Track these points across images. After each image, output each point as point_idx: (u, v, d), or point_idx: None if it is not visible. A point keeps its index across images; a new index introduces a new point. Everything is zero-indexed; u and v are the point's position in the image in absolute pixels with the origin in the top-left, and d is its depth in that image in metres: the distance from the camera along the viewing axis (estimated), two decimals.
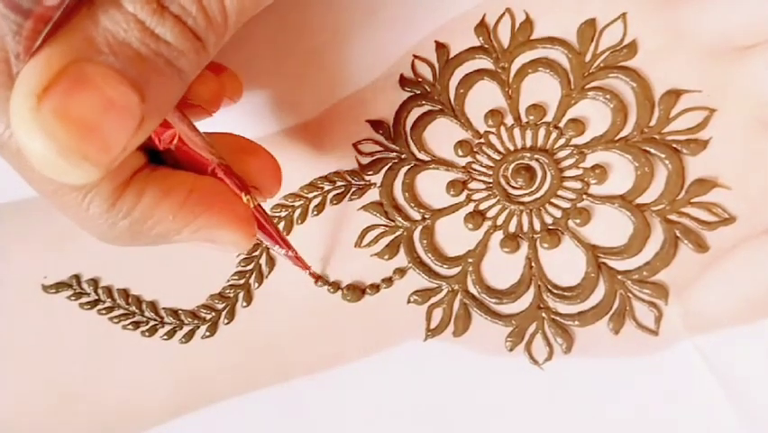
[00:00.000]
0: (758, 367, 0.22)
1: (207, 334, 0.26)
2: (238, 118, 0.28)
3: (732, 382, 0.22)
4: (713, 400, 0.22)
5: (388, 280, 0.25)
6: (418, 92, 0.26)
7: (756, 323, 0.22)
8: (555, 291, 0.24)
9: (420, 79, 0.26)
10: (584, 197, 0.24)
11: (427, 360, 0.24)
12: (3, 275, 0.28)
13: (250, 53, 0.27)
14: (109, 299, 0.27)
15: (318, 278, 0.25)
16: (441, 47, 0.26)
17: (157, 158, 0.20)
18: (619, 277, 0.23)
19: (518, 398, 0.24)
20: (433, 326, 0.25)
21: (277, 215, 0.26)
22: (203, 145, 0.21)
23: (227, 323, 0.26)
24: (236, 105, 0.28)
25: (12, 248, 0.28)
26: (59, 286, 0.27)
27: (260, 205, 0.22)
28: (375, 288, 0.25)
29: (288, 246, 0.24)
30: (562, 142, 0.24)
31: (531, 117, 0.25)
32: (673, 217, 0.23)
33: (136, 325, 0.27)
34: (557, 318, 0.24)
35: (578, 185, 0.24)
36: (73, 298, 0.27)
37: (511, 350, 0.24)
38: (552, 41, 0.25)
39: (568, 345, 0.23)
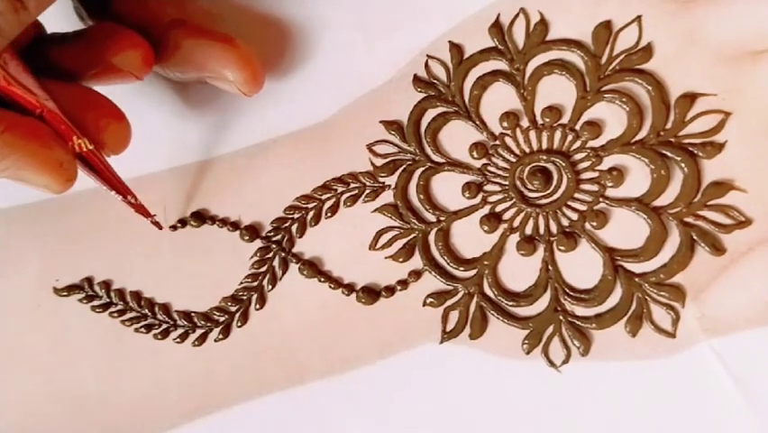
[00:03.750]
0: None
1: (220, 337, 0.26)
2: (252, 116, 0.28)
3: (749, 384, 0.22)
4: (730, 402, 0.22)
5: (404, 283, 0.25)
6: (433, 93, 0.26)
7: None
8: (572, 294, 0.24)
9: (434, 80, 0.26)
10: (600, 199, 0.24)
11: (443, 363, 0.24)
12: (14, 278, 0.27)
13: (265, 51, 0.27)
14: (121, 302, 0.27)
15: (161, 227, 0.26)
16: (455, 47, 0.26)
17: None
18: (636, 280, 0.23)
19: (535, 401, 0.24)
20: (449, 328, 0.25)
21: (290, 216, 0.26)
22: (35, 91, 0.22)
23: (240, 326, 0.26)
24: (250, 105, 0.28)
25: (23, 251, 0.28)
26: (70, 289, 0.27)
27: (94, 151, 0.23)
28: (390, 290, 0.25)
29: (127, 192, 0.24)
30: (578, 144, 0.24)
31: (546, 119, 0.25)
32: (690, 220, 0.23)
33: (149, 328, 0.27)
34: (574, 321, 0.24)
35: (594, 187, 0.24)
36: (85, 300, 0.27)
37: (528, 353, 0.24)
38: (567, 42, 0.25)
39: (585, 348, 0.23)
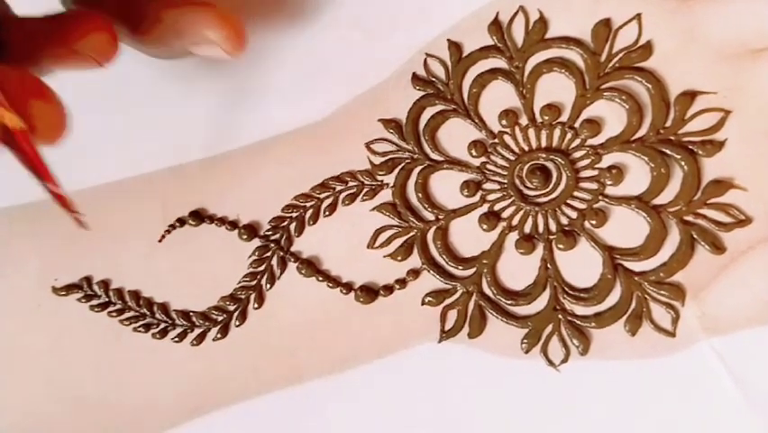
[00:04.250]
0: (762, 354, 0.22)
1: (219, 336, 0.26)
2: (252, 114, 0.28)
3: (749, 384, 0.22)
4: (730, 401, 0.22)
5: (402, 282, 0.25)
6: (431, 91, 0.26)
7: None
8: (571, 293, 0.24)
9: (433, 78, 0.26)
10: (600, 198, 0.24)
11: (442, 362, 0.24)
12: (14, 278, 0.27)
13: (262, 49, 0.27)
14: (120, 301, 0.27)
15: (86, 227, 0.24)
16: (454, 45, 0.26)
17: None
18: (636, 278, 0.23)
19: (534, 400, 0.24)
20: (447, 327, 0.25)
21: (288, 215, 0.26)
22: None
23: (239, 325, 0.26)
24: (250, 103, 0.28)
25: (21, 250, 0.28)
26: (69, 288, 0.27)
27: (24, 131, 0.21)
28: (388, 289, 0.25)
29: (50, 180, 0.22)
30: (577, 142, 0.24)
31: (546, 117, 0.24)
32: (690, 219, 0.23)
33: (147, 327, 0.27)
34: (573, 320, 0.24)
35: (594, 186, 0.24)
36: (84, 300, 0.27)
37: (527, 352, 0.24)
38: (566, 40, 0.25)
39: (585, 347, 0.23)
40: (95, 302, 0.27)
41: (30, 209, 0.29)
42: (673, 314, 0.23)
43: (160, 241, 0.27)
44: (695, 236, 0.23)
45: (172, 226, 0.27)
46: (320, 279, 0.25)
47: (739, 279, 0.23)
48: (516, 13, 0.25)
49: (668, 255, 0.23)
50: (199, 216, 0.27)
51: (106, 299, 0.27)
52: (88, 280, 0.27)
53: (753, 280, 0.23)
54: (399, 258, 0.25)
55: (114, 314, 0.27)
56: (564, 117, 0.24)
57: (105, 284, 0.27)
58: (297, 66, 0.27)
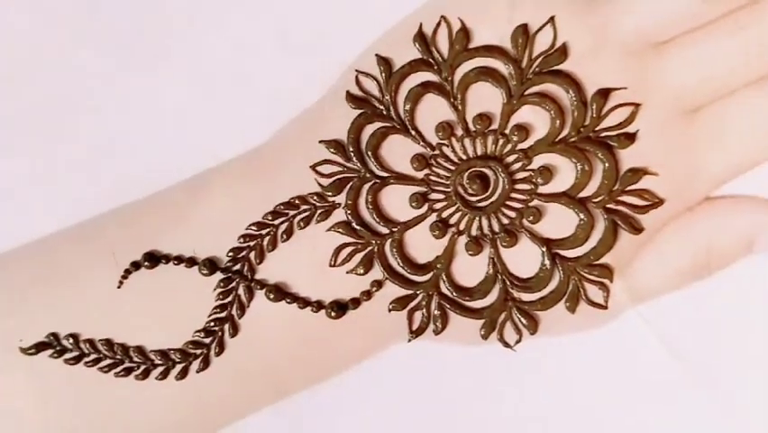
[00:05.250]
0: (692, 325, 0.26)
1: (201, 367, 0.27)
2: (185, 147, 0.28)
3: (671, 340, 0.27)
4: (657, 357, 0.27)
5: (367, 294, 0.27)
6: (367, 109, 0.27)
7: (687, 289, 0.26)
8: (518, 284, 0.27)
9: (367, 95, 0.27)
10: (534, 197, 0.26)
11: (414, 358, 0.27)
12: None
13: (190, 82, 0.26)
14: (94, 351, 0.27)
15: None
16: (383, 61, 0.27)
17: None
18: (570, 264, 0.27)
19: (497, 376, 0.27)
20: (414, 328, 0.27)
21: (246, 245, 0.27)
22: None
23: (218, 354, 0.27)
24: (182, 134, 0.28)
25: None
26: (38, 347, 0.27)
27: None
28: (356, 302, 0.27)
29: None
30: (509, 148, 0.26)
31: (478, 126, 0.26)
32: (612, 206, 0.26)
33: (128, 371, 0.27)
34: (522, 306, 0.27)
35: (527, 186, 0.26)
36: (56, 355, 0.27)
37: (486, 338, 0.27)
38: (489, 49, 0.26)
39: (534, 328, 0.27)
40: (68, 356, 0.28)
41: None
42: (604, 291, 0.27)
43: (118, 287, 0.27)
44: (617, 222, 0.26)
45: (128, 271, 0.27)
46: (289, 301, 0.27)
47: (657, 253, 0.27)
48: (438, 24, 0.26)
49: (596, 241, 0.26)
50: (154, 258, 0.27)
51: (79, 352, 0.28)
52: (56, 335, 0.28)
53: (668, 253, 0.27)
54: (362, 272, 0.27)
55: (91, 363, 0.28)
56: (496, 125, 0.26)
57: (73, 337, 0.28)
58: (226, 95, 0.27)
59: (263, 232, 0.27)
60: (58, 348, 0.27)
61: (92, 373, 0.27)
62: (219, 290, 0.27)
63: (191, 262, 0.27)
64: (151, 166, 0.28)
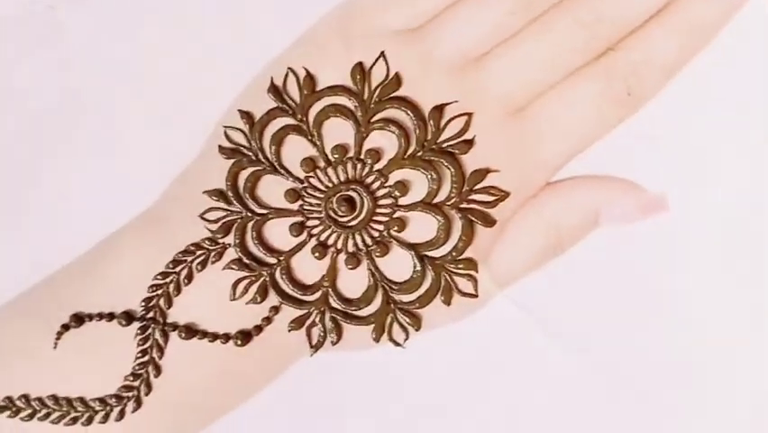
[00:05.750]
0: (553, 297, 0.29)
1: (135, 407, 0.31)
2: (85, 217, 0.32)
3: (536, 311, 0.30)
4: (526, 329, 0.30)
5: (267, 319, 0.30)
6: (239, 158, 0.30)
7: (541, 267, 0.29)
8: (396, 288, 0.30)
9: (237, 146, 0.30)
10: (396, 209, 0.30)
11: (318, 369, 0.31)
12: None
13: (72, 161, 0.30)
14: (44, 407, 0.31)
15: None
16: (245, 114, 0.30)
17: None
18: (438, 262, 0.30)
19: (391, 372, 0.30)
20: (314, 343, 0.31)
21: (154, 294, 0.30)
22: None
23: (147, 394, 0.31)
24: (78, 209, 0.32)
25: None
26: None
27: None
28: (258, 328, 0.30)
29: None
30: (366, 170, 0.30)
31: (336, 156, 0.30)
32: (464, 206, 0.29)
33: (74, 419, 0.31)
34: (404, 307, 0.30)
35: (389, 201, 0.30)
36: (12, 415, 0.31)
37: (378, 341, 0.30)
38: (333, 89, 0.30)
39: (418, 325, 0.30)
40: (23, 414, 0.31)
41: None
42: (472, 281, 0.30)
43: (54, 348, 0.31)
44: (472, 218, 0.29)
45: (59, 333, 0.31)
46: (200, 337, 0.31)
47: (512, 240, 0.30)
48: (286, 75, 0.30)
49: (456, 238, 0.30)
50: (79, 318, 0.31)
51: (31, 409, 0.31)
52: (10, 398, 0.31)
53: (522, 238, 0.30)
54: (259, 300, 0.30)
55: (43, 417, 0.31)
56: (351, 153, 0.30)
57: (25, 397, 0.31)
58: (111, 166, 0.30)
59: (167, 280, 0.31)
60: (13, 409, 0.31)
61: (45, 427, 0.31)
62: (138, 337, 0.31)
63: (111, 316, 0.31)
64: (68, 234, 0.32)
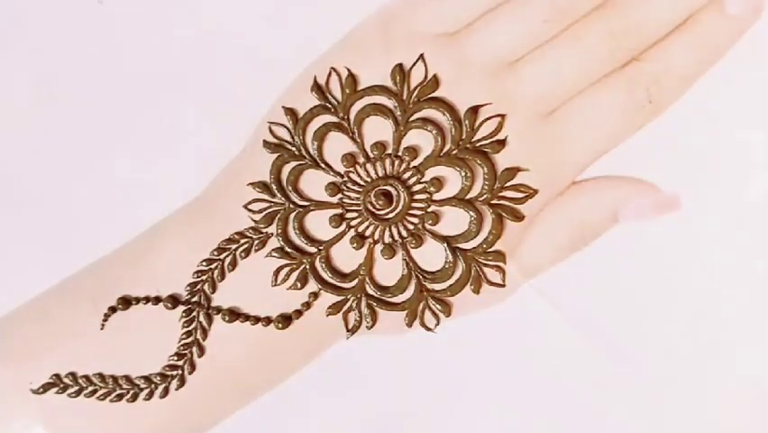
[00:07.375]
0: (577, 289, 0.31)
1: (179, 385, 0.33)
2: (135, 204, 0.33)
3: (562, 304, 0.32)
4: (550, 319, 0.32)
5: (307, 304, 0.32)
6: (283, 152, 0.32)
7: (566, 260, 0.32)
8: (429, 277, 0.32)
9: (281, 141, 0.32)
10: (431, 203, 0.32)
11: (353, 351, 0.33)
12: None
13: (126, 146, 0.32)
14: (90, 385, 0.33)
15: None
16: (289, 111, 0.32)
17: None
18: (469, 254, 0.32)
19: (423, 354, 0.33)
20: (350, 327, 0.33)
21: (199, 279, 0.32)
22: None
23: (191, 373, 0.33)
24: (131, 196, 0.33)
25: None
26: (45, 386, 0.32)
27: None
28: (298, 313, 0.32)
29: None
30: (404, 166, 0.32)
31: (376, 153, 0.31)
32: (495, 202, 0.31)
33: (119, 396, 0.33)
34: (436, 295, 0.32)
35: (424, 196, 0.32)
36: (60, 391, 0.33)
37: (410, 326, 0.32)
38: (374, 89, 0.31)
39: (448, 312, 0.32)
40: (70, 391, 0.33)
41: None
42: (500, 272, 0.32)
43: (101, 329, 0.32)
44: (502, 213, 0.31)
45: (107, 315, 0.33)
46: (242, 320, 0.32)
47: (538, 234, 0.32)
48: (329, 75, 0.31)
49: (487, 232, 0.32)
50: (126, 301, 0.33)
51: (78, 387, 0.33)
52: (58, 376, 0.33)
53: (548, 233, 0.32)
54: (299, 287, 0.32)
55: (89, 394, 0.33)
56: (390, 150, 0.32)
57: (72, 375, 0.33)
58: (165, 157, 0.32)
59: (212, 266, 0.32)
60: (61, 386, 0.33)
61: (91, 403, 0.33)
62: (183, 319, 0.32)
63: (157, 300, 0.32)
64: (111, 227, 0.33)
